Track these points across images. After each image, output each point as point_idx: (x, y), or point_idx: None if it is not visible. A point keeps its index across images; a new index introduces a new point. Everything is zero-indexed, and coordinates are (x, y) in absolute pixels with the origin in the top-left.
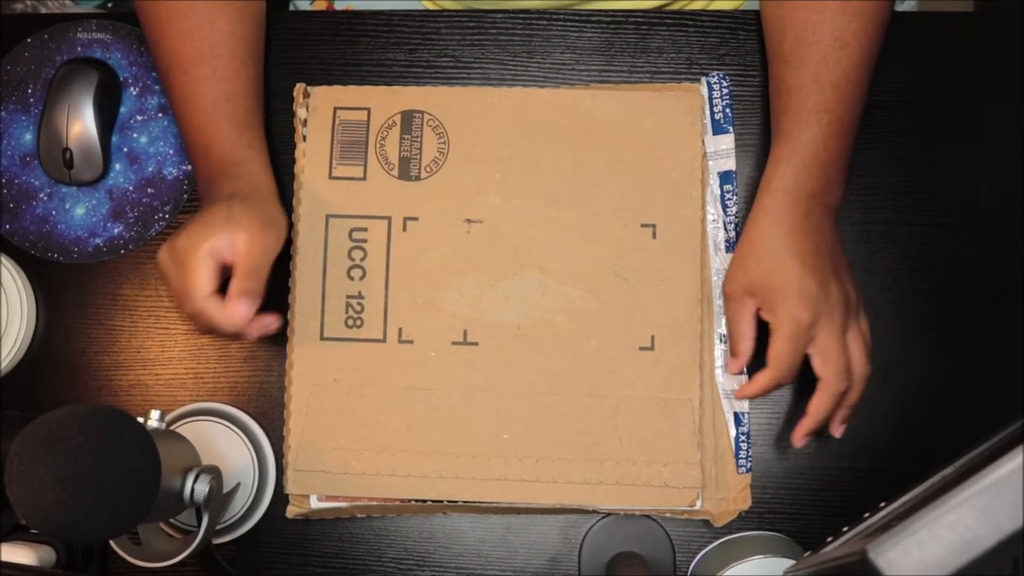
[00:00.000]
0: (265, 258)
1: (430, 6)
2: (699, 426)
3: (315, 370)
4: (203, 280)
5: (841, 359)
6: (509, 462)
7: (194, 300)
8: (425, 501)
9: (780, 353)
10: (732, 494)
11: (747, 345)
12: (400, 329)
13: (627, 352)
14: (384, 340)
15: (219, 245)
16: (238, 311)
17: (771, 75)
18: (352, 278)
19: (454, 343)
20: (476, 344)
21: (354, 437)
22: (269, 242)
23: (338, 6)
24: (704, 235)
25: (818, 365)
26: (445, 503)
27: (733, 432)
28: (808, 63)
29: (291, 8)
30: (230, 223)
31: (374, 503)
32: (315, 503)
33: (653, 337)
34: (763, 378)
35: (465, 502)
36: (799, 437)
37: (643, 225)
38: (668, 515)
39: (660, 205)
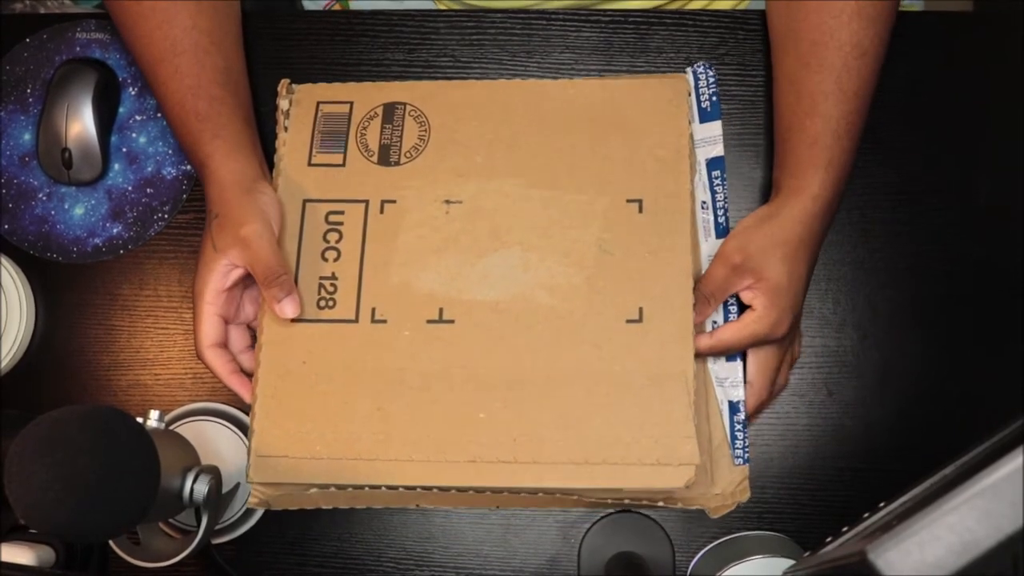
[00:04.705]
0: (267, 258)
1: (439, 6)
2: (693, 399)
3: (284, 353)
4: (206, 330)
5: (774, 373)
6: (484, 443)
7: (198, 347)
8: (396, 488)
9: (738, 335)
10: (730, 488)
11: (717, 306)
12: (373, 309)
13: (613, 325)
14: (356, 320)
15: (218, 283)
16: (285, 313)
17: (783, 73)
18: (326, 259)
19: (429, 321)
20: (452, 322)
21: (321, 421)
22: (260, 245)
23: (353, 7)
24: (693, 210)
25: (753, 371)
26: (419, 491)
27: (728, 422)
28: (830, 69)
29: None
30: (218, 253)
31: (340, 492)
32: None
33: (641, 309)
34: (704, 341)
35: (437, 488)
36: None
37: (629, 200)
38: (661, 504)
39: (647, 181)
